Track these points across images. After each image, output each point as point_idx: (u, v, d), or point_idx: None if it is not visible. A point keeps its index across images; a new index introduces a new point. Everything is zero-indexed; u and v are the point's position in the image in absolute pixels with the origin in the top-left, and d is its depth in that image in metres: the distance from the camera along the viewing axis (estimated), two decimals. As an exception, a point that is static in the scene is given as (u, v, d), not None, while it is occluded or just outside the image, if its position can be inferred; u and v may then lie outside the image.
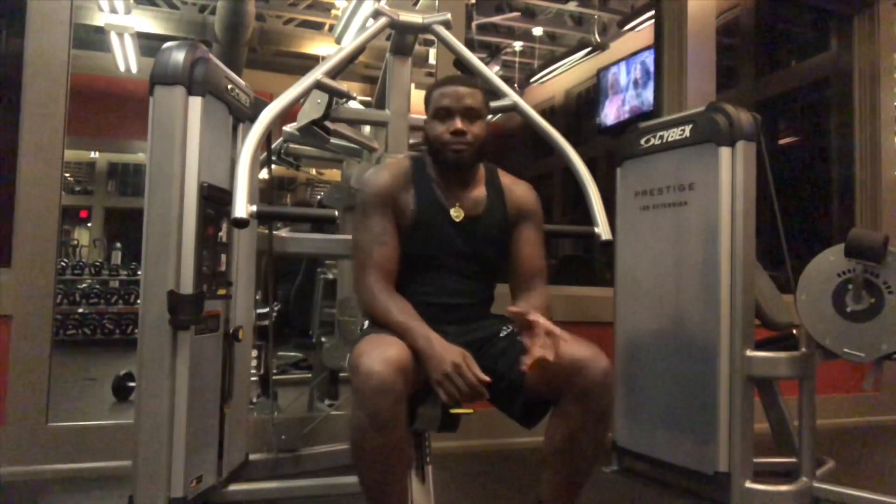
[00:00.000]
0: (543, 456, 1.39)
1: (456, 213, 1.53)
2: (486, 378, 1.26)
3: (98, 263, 7.40)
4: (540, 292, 1.54)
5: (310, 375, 3.42)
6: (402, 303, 1.42)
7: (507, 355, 1.41)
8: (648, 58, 6.82)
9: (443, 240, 1.52)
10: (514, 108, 1.84)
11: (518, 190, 1.62)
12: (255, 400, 2.75)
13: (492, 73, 1.95)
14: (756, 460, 2.06)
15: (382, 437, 1.22)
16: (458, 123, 1.49)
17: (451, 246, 1.53)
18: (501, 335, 1.47)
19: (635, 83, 7.18)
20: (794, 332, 2.23)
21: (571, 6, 7.83)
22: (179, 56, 1.62)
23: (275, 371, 3.38)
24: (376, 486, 1.30)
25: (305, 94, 1.78)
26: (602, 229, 1.65)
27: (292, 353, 4.08)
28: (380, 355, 1.23)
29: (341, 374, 3.17)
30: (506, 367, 1.40)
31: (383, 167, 1.58)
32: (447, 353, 1.27)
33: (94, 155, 11.75)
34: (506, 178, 1.64)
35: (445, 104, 1.51)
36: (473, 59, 1.96)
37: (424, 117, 1.76)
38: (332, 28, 7.37)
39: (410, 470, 1.40)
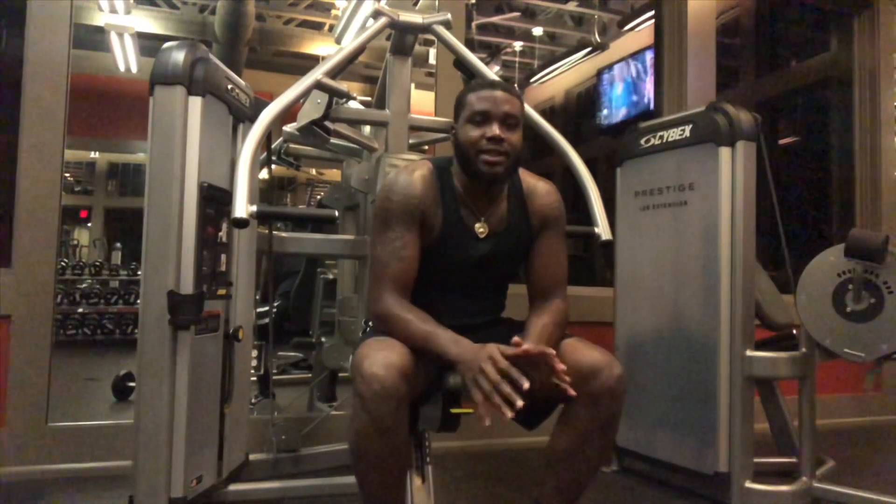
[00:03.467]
0: (547, 458, 1.39)
1: (481, 229, 1.47)
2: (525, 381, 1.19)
3: (98, 263, 7.41)
4: (555, 306, 1.46)
5: (310, 375, 3.42)
6: (419, 312, 1.36)
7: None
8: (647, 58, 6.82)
9: (463, 260, 1.46)
10: None
11: (541, 195, 1.53)
12: (253, 400, 2.75)
13: (492, 73, 1.95)
14: (756, 460, 2.06)
15: (384, 441, 1.21)
16: (496, 129, 1.38)
17: (470, 266, 1.47)
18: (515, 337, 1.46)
19: (633, 83, 7.18)
20: (794, 332, 2.23)
21: (571, 6, 7.83)
22: (179, 56, 1.62)
23: (275, 371, 3.39)
24: (376, 489, 1.29)
25: (305, 94, 1.78)
26: (602, 229, 1.65)
27: (292, 353, 4.09)
28: (383, 359, 1.21)
29: (340, 375, 3.17)
30: None
31: (410, 172, 1.45)
32: (480, 350, 1.22)
33: (94, 155, 11.77)
34: (528, 180, 1.54)
35: (482, 108, 1.40)
36: (473, 58, 1.96)
37: (424, 117, 1.76)
38: (332, 28, 7.38)
39: (409, 471, 1.39)
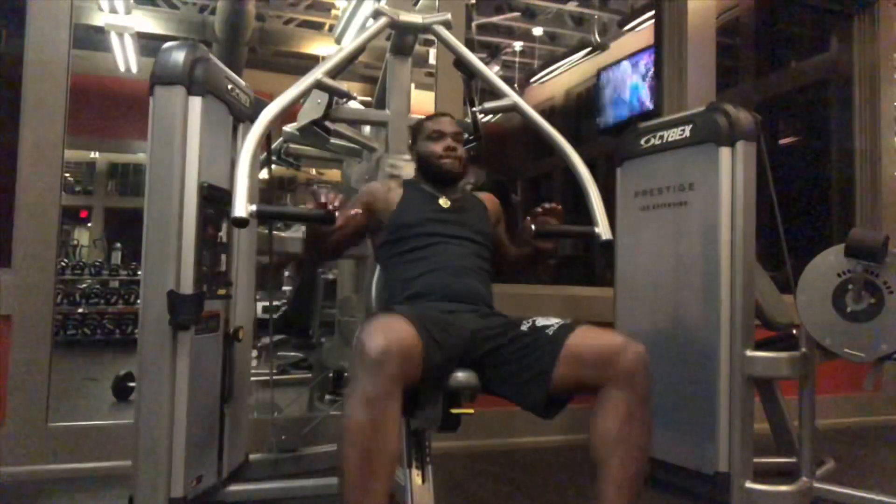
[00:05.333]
0: (597, 454, 1.37)
1: (444, 202, 1.76)
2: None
3: (98, 263, 7.41)
4: None
5: (310, 375, 3.42)
6: None
7: (532, 349, 1.43)
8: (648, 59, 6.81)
9: (432, 214, 1.71)
10: (514, 108, 1.82)
11: (487, 196, 1.89)
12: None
13: (492, 72, 1.94)
14: (756, 460, 2.06)
15: (370, 413, 1.20)
16: (450, 141, 1.77)
17: (441, 220, 1.70)
18: (523, 328, 1.49)
19: (634, 83, 7.17)
20: (794, 332, 2.22)
21: (571, 6, 7.82)
22: (179, 56, 1.62)
23: (275, 371, 3.39)
24: (357, 471, 1.21)
25: (305, 93, 1.78)
26: (602, 229, 1.63)
27: (292, 354, 4.08)
28: (383, 333, 1.25)
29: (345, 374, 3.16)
30: (533, 360, 1.41)
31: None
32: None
33: (94, 155, 11.77)
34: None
35: (438, 128, 1.79)
36: (473, 58, 1.95)
37: (424, 117, 1.85)
38: (332, 28, 7.37)
39: (409, 470, 1.37)
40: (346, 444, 1.24)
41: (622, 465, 1.35)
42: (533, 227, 1.58)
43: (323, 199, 1.40)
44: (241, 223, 1.38)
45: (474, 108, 1.93)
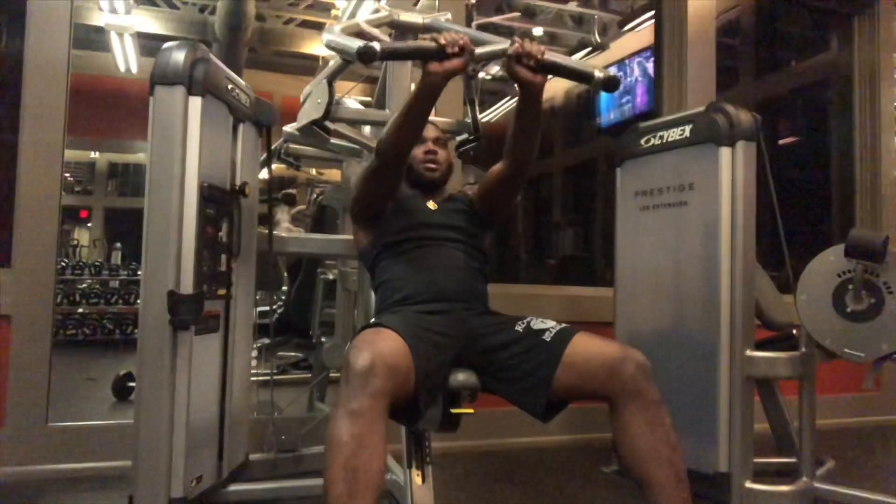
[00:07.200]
0: (634, 473, 1.37)
1: (431, 205, 1.76)
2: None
3: (98, 263, 7.41)
4: None
5: (310, 375, 3.42)
6: None
7: (531, 355, 1.43)
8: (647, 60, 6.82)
9: (423, 219, 1.71)
10: (504, 53, 1.81)
11: (468, 191, 1.87)
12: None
13: (486, 34, 1.89)
14: (756, 460, 2.06)
15: (354, 428, 1.18)
16: (431, 145, 1.78)
17: (431, 223, 1.70)
18: (518, 328, 1.49)
19: (634, 83, 7.19)
20: (794, 332, 2.22)
21: (571, 6, 7.82)
22: (180, 56, 1.62)
23: (275, 371, 3.39)
24: (341, 489, 1.17)
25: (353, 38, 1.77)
26: (600, 71, 1.55)
27: (292, 354, 4.08)
28: (370, 348, 1.25)
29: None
30: (532, 367, 1.42)
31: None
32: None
33: (94, 155, 11.77)
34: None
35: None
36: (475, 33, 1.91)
37: None
38: (332, 28, 7.35)
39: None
40: (328, 461, 1.20)
41: (662, 473, 1.35)
42: (516, 42, 1.45)
43: (443, 41, 1.35)
44: (370, 56, 1.35)
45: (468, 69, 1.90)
